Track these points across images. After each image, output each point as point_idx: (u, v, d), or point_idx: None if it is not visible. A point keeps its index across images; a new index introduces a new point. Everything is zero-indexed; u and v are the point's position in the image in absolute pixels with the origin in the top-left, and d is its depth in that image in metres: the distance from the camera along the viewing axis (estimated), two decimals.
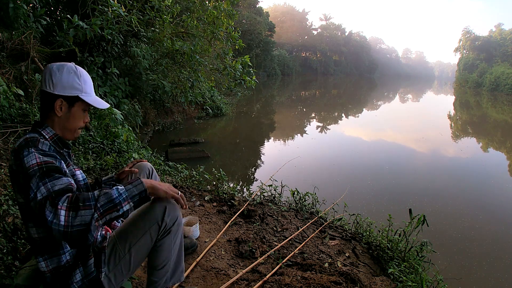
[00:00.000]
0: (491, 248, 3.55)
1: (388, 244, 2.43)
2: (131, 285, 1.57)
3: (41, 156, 1.03)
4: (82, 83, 1.20)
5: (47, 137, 1.16)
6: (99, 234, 1.27)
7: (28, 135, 1.12)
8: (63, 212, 0.92)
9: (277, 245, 2.30)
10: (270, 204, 3.13)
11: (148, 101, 7.42)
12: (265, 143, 8.12)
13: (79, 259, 1.17)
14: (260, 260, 2.06)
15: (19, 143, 1.08)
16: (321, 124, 11.64)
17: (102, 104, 1.28)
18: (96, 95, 1.31)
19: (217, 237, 2.30)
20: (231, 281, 1.80)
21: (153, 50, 6.79)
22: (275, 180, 3.43)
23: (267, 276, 1.87)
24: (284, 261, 2.08)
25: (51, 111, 1.18)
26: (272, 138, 8.99)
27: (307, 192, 3.30)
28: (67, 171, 1.12)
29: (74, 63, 1.22)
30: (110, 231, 1.37)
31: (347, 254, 2.36)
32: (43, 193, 0.95)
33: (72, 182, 1.04)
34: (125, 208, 1.01)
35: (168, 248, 1.33)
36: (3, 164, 2.45)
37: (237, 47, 6.46)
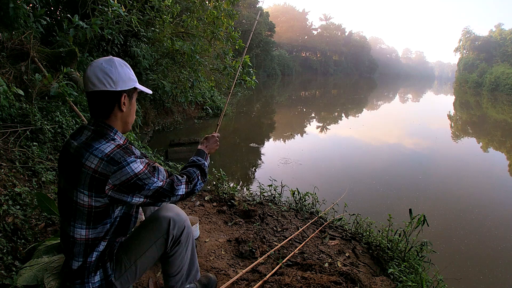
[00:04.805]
0: (491, 248, 3.55)
1: (388, 244, 2.43)
2: None
3: (143, 160, 1.16)
4: (132, 72, 1.22)
5: (122, 142, 1.16)
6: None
7: (112, 140, 1.13)
8: (184, 185, 1.25)
9: (277, 245, 2.30)
10: (270, 204, 3.13)
11: (148, 101, 7.42)
12: (265, 143, 8.12)
13: (100, 262, 1.20)
14: (260, 260, 2.06)
15: (111, 150, 1.09)
16: (321, 124, 11.64)
17: (148, 90, 1.33)
18: None
19: None
20: (231, 281, 1.80)
21: (153, 50, 6.78)
22: (275, 180, 3.43)
23: (267, 276, 1.87)
24: (284, 261, 2.08)
25: (113, 110, 1.17)
26: (272, 138, 8.99)
27: (307, 192, 3.30)
28: None
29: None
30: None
31: (347, 254, 2.36)
32: (162, 183, 1.18)
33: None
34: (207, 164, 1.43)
35: (181, 256, 1.37)
36: (3, 164, 2.45)
37: (237, 47, 6.45)
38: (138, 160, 1.13)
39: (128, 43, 6.18)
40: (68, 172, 1.13)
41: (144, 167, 1.14)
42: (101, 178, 1.07)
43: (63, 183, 1.16)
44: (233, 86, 2.24)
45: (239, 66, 3.05)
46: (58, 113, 3.47)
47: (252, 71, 6.48)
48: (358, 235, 2.68)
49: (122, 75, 1.15)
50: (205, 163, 1.41)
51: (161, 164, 4.02)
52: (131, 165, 1.10)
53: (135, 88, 1.23)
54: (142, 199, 1.15)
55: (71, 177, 1.11)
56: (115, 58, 1.17)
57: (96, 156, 1.08)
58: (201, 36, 6.63)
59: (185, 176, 1.29)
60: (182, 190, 1.24)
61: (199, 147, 1.52)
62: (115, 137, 1.16)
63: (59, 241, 1.64)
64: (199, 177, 1.32)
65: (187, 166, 1.37)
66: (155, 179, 1.16)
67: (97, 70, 1.11)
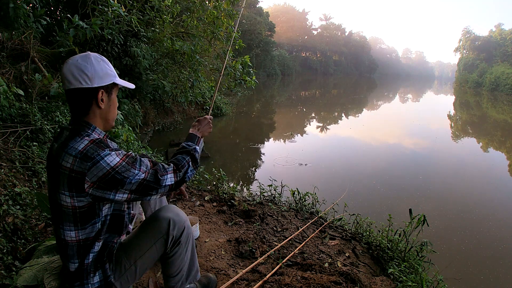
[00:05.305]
0: (491, 247, 3.55)
1: (388, 244, 2.43)
2: None
3: (119, 152, 1.10)
4: (111, 68, 1.17)
5: (98, 137, 1.12)
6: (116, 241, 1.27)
7: (87, 136, 1.08)
8: (171, 175, 1.16)
9: (277, 245, 2.30)
10: (270, 204, 3.13)
11: (148, 101, 7.41)
12: (265, 143, 8.12)
13: (99, 263, 1.18)
14: (260, 260, 2.06)
15: (85, 146, 1.04)
16: (321, 124, 11.64)
17: (130, 85, 1.27)
18: None
19: None
20: (231, 281, 1.80)
21: (153, 50, 6.78)
22: (275, 180, 3.43)
23: (267, 276, 1.87)
24: (284, 261, 2.08)
25: (91, 107, 1.12)
26: (272, 138, 8.99)
27: (307, 192, 3.30)
28: None
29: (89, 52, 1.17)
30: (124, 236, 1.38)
31: (347, 254, 2.36)
32: (144, 174, 1.10)
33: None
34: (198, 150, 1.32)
35: (181, 257, 1.36)
36: (3, 164, 2.45)
37: (237, 47, 6.45)
38: (114, 152, 1.07)
39: (128, 43, 6.18)
40: (51, 175, 1.11)
41: (121, 159, 1.07)
42: (78, 176, 1.03)
43: (49, 186, 1.14)
44: (222, 72, 2.23)
45: (228, 50, 3.04)
46: (58, 113, 3.47)
47: (252, 71, 6.48)
48: (358, 235, 2.68)
49: (98, 71, 1.10)
50: (196, 147, 1.31)
51: None
52: (105, 158, 1.04)
53: (114, 84, 1.17)
54: (126, 195, 1.09)
55: (53, 179, 1.09)
56: (91, 53, 1.13)
57: (70, 154, 1.04)
58: (201, 36, 6.63)
59: (172, 164, 1.20)
60: (169, 180, 1.15)
61: (191, 131, 1.40)
62: (92, 133, 1.11)
63: None
64: (190, 164, 1.23)
65: (176, 153, 1.28)
66: (136, 171, 1.09)
67: (73, 67, 1.08)
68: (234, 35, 2.88)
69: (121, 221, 1.23)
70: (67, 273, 1.17)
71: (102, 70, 1.11)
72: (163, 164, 1.19)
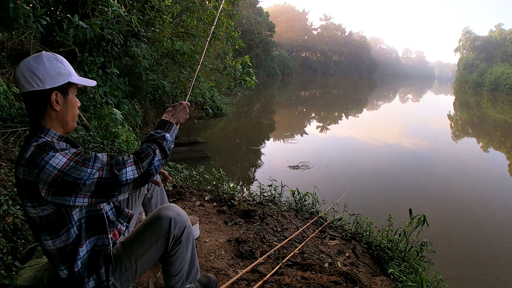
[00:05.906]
0: (492, 247, 3.54)
1: (388, 244, 2.43)
2: None
3: (66, 152, 1.00)
4: (67, 66, 1.09)
5: (46, 140, 1.04)
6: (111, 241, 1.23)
7: (35, 142, 1.01)
8: (131, 167, 1.02)
9: (277, 245, 2.30)
10: (270, 204, 3.13)
11: (148, 101, 7.42)
12: (265, 143, 8.12)
13: (92, 268, 1.16)
14: (260, 260, 2.06)
15: (31, 153, 0.98)
16: (320, 124, 11.64)
17: (91, 82, 1.19)
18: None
19: None
20: (231, 281, 1.80)
21: (153, 50, 6.79)
22: (275, 180, 3.43)
23: (267, 276, 1.87)
24: (284, 261, 2.08)
25: (46, 110, 1.05)
26: (272, 138, 8.99)
27: (307, 192, 3.30)
28: None
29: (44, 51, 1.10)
30: (118, 236, 1.37)
31: (347, 254, 2.36)
32: (99, 172, 0.98)
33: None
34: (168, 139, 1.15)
35: (181, 256, 1.36)
36: (3, 164, 2.45)
37: (237, 47, 6.46)
38: (59, 153, 0.98)
39: (128, 43, 6.19)
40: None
41: (68, 159, 0.98)
42: (32, 186, 0.97)
43: None
44: (201, 59, 2.22)
45: (207, 40, 3.03)
46: None
47: (252, 71, 6.49)
48: (358, 235, 2.68)
49: (50, 71, 1.03)
50: (166, 135, 1.14)
51: None
52: (50, 162, 0.96)
53: (70, 83, 1.09)
54: (87, 199, 0.99)
55: (18, 193, 1.06)
56: (44, 53, 1.06)
57: (20, 164, 0.99)
58: (201, 36, 6.64)
59: (132, 156, 1.06)
60: (129, 173, 1.01)
61: (163, 116, 1.26)
62: (45, 137, 1.04)
63: None
64: (156, 152, 1.08)
65: (143, 142, 1.14)
66: (89, 169, 0.97)
67: (24, 70, 1.01)
68: (215, 23, 2.90)
69: (101, 221, 1.16)
70: (60, 280, 1.14)
71: (54, 70, 1.04)
72: (122, 156, 1.07)
